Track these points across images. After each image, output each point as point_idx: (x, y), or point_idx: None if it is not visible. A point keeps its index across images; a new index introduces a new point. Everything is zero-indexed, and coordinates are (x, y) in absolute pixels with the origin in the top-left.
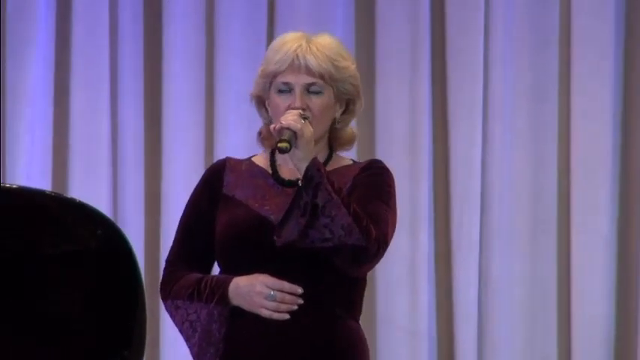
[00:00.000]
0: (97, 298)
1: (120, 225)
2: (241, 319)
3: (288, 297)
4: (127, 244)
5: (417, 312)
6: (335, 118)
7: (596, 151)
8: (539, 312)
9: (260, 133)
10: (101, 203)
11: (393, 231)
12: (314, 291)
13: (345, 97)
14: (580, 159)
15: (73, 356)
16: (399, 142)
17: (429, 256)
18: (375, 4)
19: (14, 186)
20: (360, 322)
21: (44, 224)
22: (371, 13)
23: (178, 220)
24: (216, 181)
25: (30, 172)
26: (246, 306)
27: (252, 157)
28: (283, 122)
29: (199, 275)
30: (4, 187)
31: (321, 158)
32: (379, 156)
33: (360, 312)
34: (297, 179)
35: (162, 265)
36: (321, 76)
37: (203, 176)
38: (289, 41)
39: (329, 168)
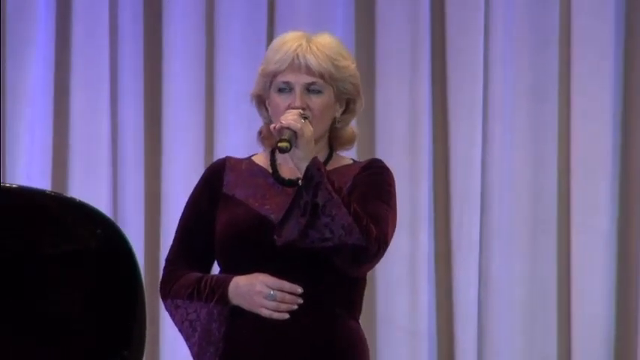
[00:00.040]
0: (97, 298)
1: (120, 225)
2: (241, 319)
3: (288, 296)
4: (126, 243)
5: (417, 312)
6: (335, 118)
7: (596, 151)
8: (539, 312)
9: (260, 133)
10: (101, 203)
11: (393, 231)
12: (314, 291)
13: (345, 97)
14: (580, 159)
15: (73, 356)
16: (399, 142)
17: (429, 256)
18: (375, 4)
19: (14, 186)
20: (360, 321)
21: (44, 224)
22: (371, 13)
23: (178, 220)
24: (216, 180)
25: (30, 171)
26: (246, 305)
27: (252, 156)
28: (283, 122)
29: (199, 274)
30: (4, 186)
31: (322, 158)
32: (379, 156)
33: (360, 312)
34: (298, 178)
35: (162, 264)
36: (321, 76)
37: (203, 175)
38: (289, 41)
39: (329, 167)
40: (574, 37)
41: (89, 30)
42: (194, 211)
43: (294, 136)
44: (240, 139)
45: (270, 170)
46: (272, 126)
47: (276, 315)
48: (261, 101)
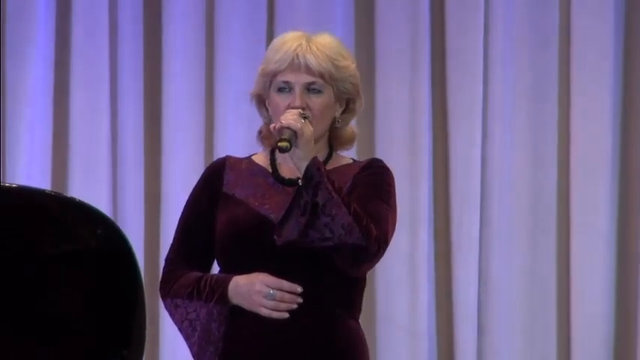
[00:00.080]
0: (97, 298)
1: (120, 225)
2: (241, 318)
3: (287, 296)
4: (126, 243)
5: (416, 311)
6: (335, 118)
7: (596, 150)
8: (539, 311)
9: (260, 132)
10: (101, 203)
11: (393, 230)
12: (314, 290)
13: (345, 97)
14: (580, 159)
15: (73, 356)
16: (398, 142)
17: (429, 256)
18: (374, 4)
19: (14, 185)
20: (360, 321)
21: (44, 224)
22: (371, 13)
23: (178, 219)
24: (216, 179)
25: (30, 171)
26: (245, 305)
27: (252, 155)
28: (283, 121)
29: (199, 274)
30: (4, 186)
31: (321, 157)
32: (379, 155)
33: (359, 311)
34: (298, 178)
35: (162, 264)
36: (321, 76)
37: (203, 174)
38: (289, 40)
39: (329, 167)
40: (574, 37)
41: (89, 30)
42: (194, 210)
43: (294, 136)
44: (240, 139)
45: (270, 170)
46: (272, 126)
47: (275, 314)
48: (261, 101)
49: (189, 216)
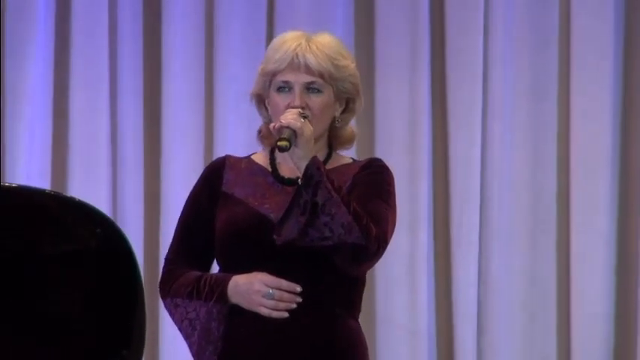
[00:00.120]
0: (96, 298)
1: (119, 225)
2: (240, 318)
3: (286, 295)
4: (126, 243)
5: (416, 311)
6: (335, 117)
7: (596, 150)
8: (539, 311)
9: (260, 132)
10: (101, 203)
11: (393, 230)
12: (313, 290)
13: (345, 96)
14: (580, 158)
15: (73, 356)
16: (398, 142)
17: (429, 255)
18: (374, 4)
19: (13, 185)
20: (360, 321)
21: (44, 224)
22: (370, 13)
23: (177, 219)
24: (215, 178)
25: (29, 171)
26: (245, 304)
27: (251, 155)
28: (283, 121)
29: (198, 273)
30: (4, 186)
31: (321, 157)
32: (379, 155)
33: (359, 311)
34: (297, 177)
35: (162, 264)
36: (321, 75)
37: (202, 174)
38: (289, 40)
39: (329, 166)
40: (574, 37)
41: (88, 30)
42: (194, 209)
43: (293, 135)
44: (239, 139)
45: (270, 169)
46: (272, 125)
47: (274, 314)
48: (260, 100)
49: (189, 215)
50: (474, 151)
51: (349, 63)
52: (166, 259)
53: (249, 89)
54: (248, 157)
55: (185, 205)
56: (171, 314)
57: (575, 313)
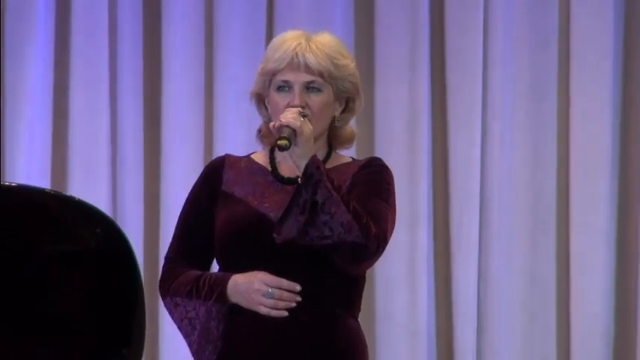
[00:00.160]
0: (96, 298)
1: (119, 224)
2: (240, 317)
3: (286, 294)
4: (126, 242)
5: (416, 310)
6: (334, 117)
7: (596, 150)
8: (539, 310)
9: (259, 131)
10: (100, 203)
11: (393, 229)
12: (313, 289)
13: (345, 96)
14: (579, 158)
15: (73, 356)
16: (398, 141)
17: (429, 255)
18: (374, 4)
19: (14, 184)
20: (360, 320)
21: (44, 223)
22: (370, 13)
23: (177, 218)
24: (215, 177)
25: (29, 171)
26: (244, 303)
27: (251, 154)
28: (283, 120)
29: (198, 272)
30: (4, 185)
31: (321, 156)
32: (378, 155)
33: (359, 310)
34: (297, 177)
35: (162, 263)
36: (321, 75)
37: (202, 173)
38: (289, 39)
39: (328, 166)
40: (574, 37)
41: (88, 30)
42: (193, 208)
43: (293, 134)
44: (239, 139)
45: (270, 168)
46: (271, 124)
47: (274, 313)
48: (260, 100)
49: (189, 214)
50: (474, 151)
51: (349, 62)
52: (166, 257)
53: (249, 89)
54: (248, 157)
55: (185, 204)
56: (170, 313)
57: (574, 313)
